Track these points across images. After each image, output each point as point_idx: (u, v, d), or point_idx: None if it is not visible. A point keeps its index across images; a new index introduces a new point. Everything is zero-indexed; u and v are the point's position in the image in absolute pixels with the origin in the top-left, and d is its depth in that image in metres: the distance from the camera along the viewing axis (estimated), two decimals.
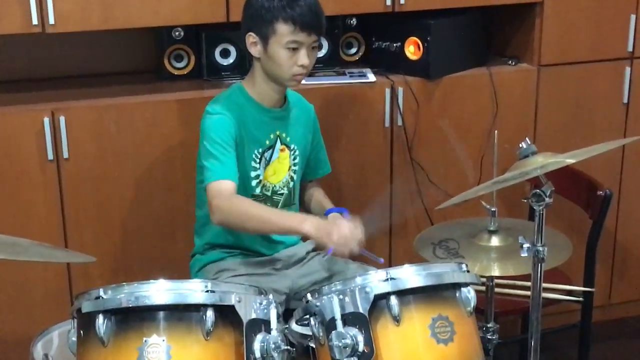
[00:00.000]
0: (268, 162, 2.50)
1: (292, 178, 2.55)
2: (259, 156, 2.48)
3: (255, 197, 2.48)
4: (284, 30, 2.34)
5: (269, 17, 2.34)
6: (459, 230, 2.44)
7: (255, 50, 2.40)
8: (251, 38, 2.40)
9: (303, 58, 2.36)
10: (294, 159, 2.55)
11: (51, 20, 2.61)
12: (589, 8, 3.11)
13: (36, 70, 3.01)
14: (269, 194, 2.51)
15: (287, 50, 2.35)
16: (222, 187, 2.34)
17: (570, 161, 2.13)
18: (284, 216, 2.41)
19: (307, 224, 2.28)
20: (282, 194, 2.54)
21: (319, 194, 2.68)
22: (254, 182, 2.48)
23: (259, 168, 2.48)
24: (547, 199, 2.10)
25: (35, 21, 2.59)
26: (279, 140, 2.51)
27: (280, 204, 2.54)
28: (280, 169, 2.53)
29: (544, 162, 2.10)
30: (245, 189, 2.46)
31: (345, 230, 2.25)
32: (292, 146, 2.54)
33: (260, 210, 2.39)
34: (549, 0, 3.06)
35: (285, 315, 2.04)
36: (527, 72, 3.13)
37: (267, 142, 2.49)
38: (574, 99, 3.19)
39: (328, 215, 2.52)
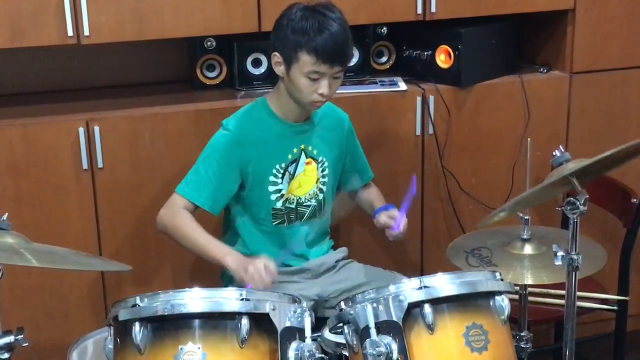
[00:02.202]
0: (292, 176, 2.50)
1: (321, 190, 2.55)
2: (282, 170, 2.48)
3: (276, 211, 2.49)
4: (306, 60, 2.31)
5: (294, 43, 2.32)
6: (491, 239, 2.44)
7: (278, 69, 2.40)
8: (276, 58, 2.39)
9: (324, 88, 2.34)
10: (323, 170, 2.55)
11: (86, 32, 2.64)
12: (621, 15, 3.09)
13: (71, 81, 3.05)
14: (293, 206, 2.52)
15: (308, 79, 2.34)
16: (177, 201, 2.42)
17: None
18: (212, 246, 2.39)
19: (229, 258, 2.33)
20: (308, 206, 2.54)
21: (369, 194, 2.69)
22: (273, 197, 2.48)
23: (281, 182, 2.48)
24: (581, 207, 2.09)
25: (70, 33, 2.63)
26: (303, 154, 2.51)
27: (305, 216, 2.54)
28: (307, 182, 2.53)
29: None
30: (265, 204, 2.48)
31: (259, 266, 2.26)
32: (319, 158, 2.54)
33: (194, 234, 2.40)
34: (580, 8, 3.04)
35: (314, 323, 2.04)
36: (559, 79, 3.12)
37: (290, 156, 2.49)
38: (606, 106, 3.17)
39: (376, 216, 2.55)
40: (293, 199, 2.51)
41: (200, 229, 2.42)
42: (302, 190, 2.52)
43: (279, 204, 2.49)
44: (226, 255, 2.35)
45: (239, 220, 2.53)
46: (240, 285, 2.29)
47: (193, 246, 2.42)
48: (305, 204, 2.53)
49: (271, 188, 2.48)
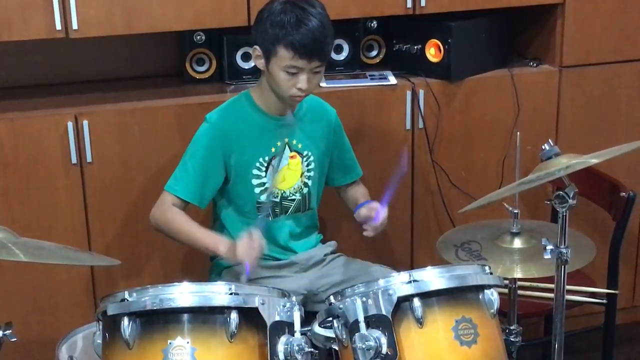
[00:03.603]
0: (276, 170, 2.50)
1: (305, 184, 2.55)
2: (265, 164, 2.48)
3: (260, 204, 2.49)
4: (284, 55, 2.31)
5: (272, 37, 2.31)
6: (481, 233, 2.44)
7: (259, 63, 2.40)
8: (256, 51, 2.39)
9: (302, 82, 2.33)
10: (308, 165, 2.54)
11: (75, 26, 2.63)
12: (611, 9, 3.09)
13: (60, 75, 3.03)
14: (277, 200, 2.52)
15: (287, 73, 2.33)
16: (166, 199, 2.44)
17: (594, 161, 2.12)
18: (204, 236, 2.42)
19: (221, 245, 2.35)
20: (293, 200, 2.53)
21: (355, 192, 2.67)
22: (257, 190, 2.48)
23: (265, 176, 2.48)
24: (570, 201, 2.09)
25: (58, 26, 2.62)
26: (287, 147, 2.50)
27: (291, 210, 2.54)
28: (291, 176, 2.52)
29: (567, 163, 2.09)
30: (249, 197, 2.48)
31: (243, 241, 2.28)
32: (304, 152, 2.53)
33: (187, 227, 2.42)
34: (570, 2, 3.04)
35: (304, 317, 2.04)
36: (549, 73, 3.12)
37: (273, 150, 2.48)
38: (596, 100, 3.17)
39: (357, 210, 2.52)
40: (277, 193, 2.51)
41: (192, 221, 2.43)
42: (286, 184, 2.51)
43: (262, 197, 2.49)
44: (219, 243, 2.36)
45: (224, 214, 2.54)
46: (238, 275, 2.30)
47: (186, 239, 2.43)
48: (289, 197, 2.53)
49: (255, 181, 2.47)
